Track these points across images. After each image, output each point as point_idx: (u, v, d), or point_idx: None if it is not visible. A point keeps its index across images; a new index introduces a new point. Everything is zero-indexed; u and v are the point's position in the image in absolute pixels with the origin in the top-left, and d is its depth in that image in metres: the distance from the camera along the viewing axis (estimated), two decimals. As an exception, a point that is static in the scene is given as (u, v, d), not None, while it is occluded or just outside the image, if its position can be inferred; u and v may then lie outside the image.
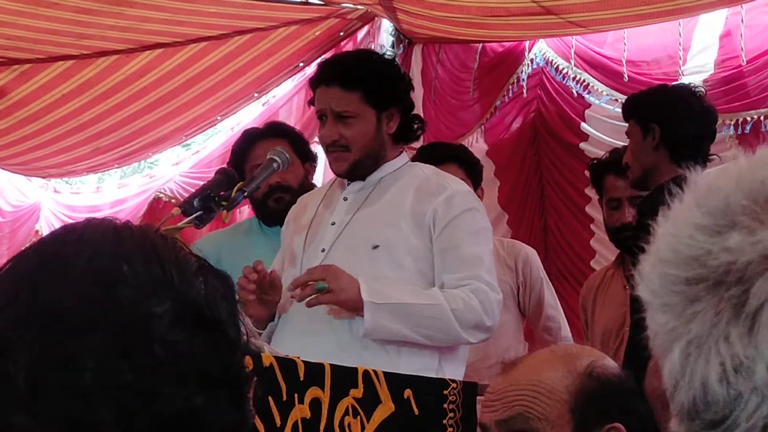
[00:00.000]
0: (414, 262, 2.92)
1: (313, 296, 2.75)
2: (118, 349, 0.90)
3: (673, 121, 3.45)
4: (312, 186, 3.70)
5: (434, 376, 2.78)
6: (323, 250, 2.96)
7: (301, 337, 2.81)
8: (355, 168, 3.02)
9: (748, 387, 0.72)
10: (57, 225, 7.30)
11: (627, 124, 5.00)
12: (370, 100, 3.01)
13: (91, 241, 0.95)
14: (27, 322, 0.90)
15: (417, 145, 4.84)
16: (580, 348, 1.78)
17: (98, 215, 7.14)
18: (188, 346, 0.92)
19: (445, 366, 2.90)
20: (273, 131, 3.77)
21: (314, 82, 3.12)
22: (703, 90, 3.83)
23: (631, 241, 3.73)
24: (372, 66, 3.12)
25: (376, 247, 2.91)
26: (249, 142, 3.73)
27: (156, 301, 0.92)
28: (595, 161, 4.01)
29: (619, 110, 5.00)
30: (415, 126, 3.12)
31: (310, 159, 3.74)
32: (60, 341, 0.89)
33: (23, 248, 0.98)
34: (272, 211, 3.61)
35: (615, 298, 3.82)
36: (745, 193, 0.77)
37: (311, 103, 3.15)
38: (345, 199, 3.05)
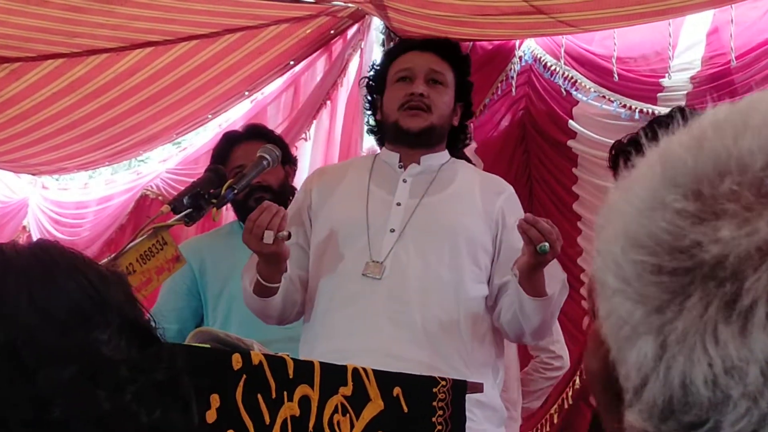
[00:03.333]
0: (484, 254, 2.95)
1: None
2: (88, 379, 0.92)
3: None
4: (292, 188, 3.69)
5: (491, 368, 2.94)
6: (392, 230, 2.94)
7: (388, 322, 2.84)
8: (430, 131, 3.03)
9: (739, 390, 0.66)
10: (44, 221, 7.32)
11: (617, 122, 5.02)
12: (456, 79, 3.08)
13: (24, 278, 0.95)
14: None
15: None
16: None
17: (85, 212, 7.18)
18: (138, 360, 0.95)
19: (499, 363, 3.00)
20: (253, 133, 3.77)
21: (402, 48, 3.19)
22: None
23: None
24: (461, 51, 3.22)
25: (455, 233, 2.93)
26: (229, 144, 3.73)
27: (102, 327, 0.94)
28: (616, 142, 3.98)
29: (607, 107, 5.04)
30: (464, 136, 3.18)
31: (290, 162, 3.74)
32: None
33: None
34: (253, 210, 3.61)
35: None
36: (733, 172, 0.69)
37: (371, 80, 3.16)
38: (404, 181, 3.03)
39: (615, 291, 0.73)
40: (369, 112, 3.18)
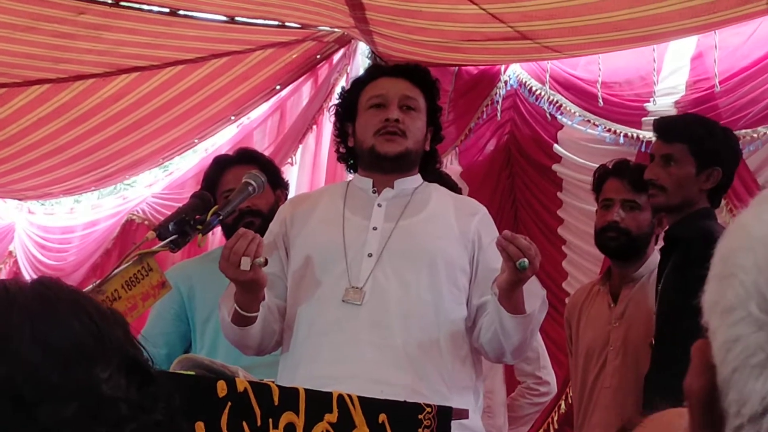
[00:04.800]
0: (462, 275, 2.95)
1: None
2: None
3: (732, 167, 3.50)
4: None
5: (471, 391, 2.91)
6: (370, 255, 2.93)
7: (370, 348, 2.83)
8: (406, 156, 3.03)
9: None
10: (30, 246, 7.30)
11: (601, 146, 5.03)
12: (427, 106, 3.09)
13: (28, 313, 0.95)
14: None
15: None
16: None
17: (71, 237, 7.16)
18: (138, 399, 0.95)
19: (479, 385, 2.98)
20: (244, 157, 3.77)
21: (372, 74, 3.19)
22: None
23: (613, 243, 3.77)
24: (431, 76, 3.20)
25: (433, 256, 2.93)
26: (220, 168, 3.72)
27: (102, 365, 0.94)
28: (600, 166, 4.01)
29: (592, 131, 5.07)
30: (434, 160, 3.22)
31: (281, 186, 3.74)
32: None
33: None
34: None
35: (599, 317, 3.84)
36: None
37: (340, 108, 3.16)
38: (379, 205, 3.03)
39: (756, 321, 0.72)
40: (338, 140, 3.19)
